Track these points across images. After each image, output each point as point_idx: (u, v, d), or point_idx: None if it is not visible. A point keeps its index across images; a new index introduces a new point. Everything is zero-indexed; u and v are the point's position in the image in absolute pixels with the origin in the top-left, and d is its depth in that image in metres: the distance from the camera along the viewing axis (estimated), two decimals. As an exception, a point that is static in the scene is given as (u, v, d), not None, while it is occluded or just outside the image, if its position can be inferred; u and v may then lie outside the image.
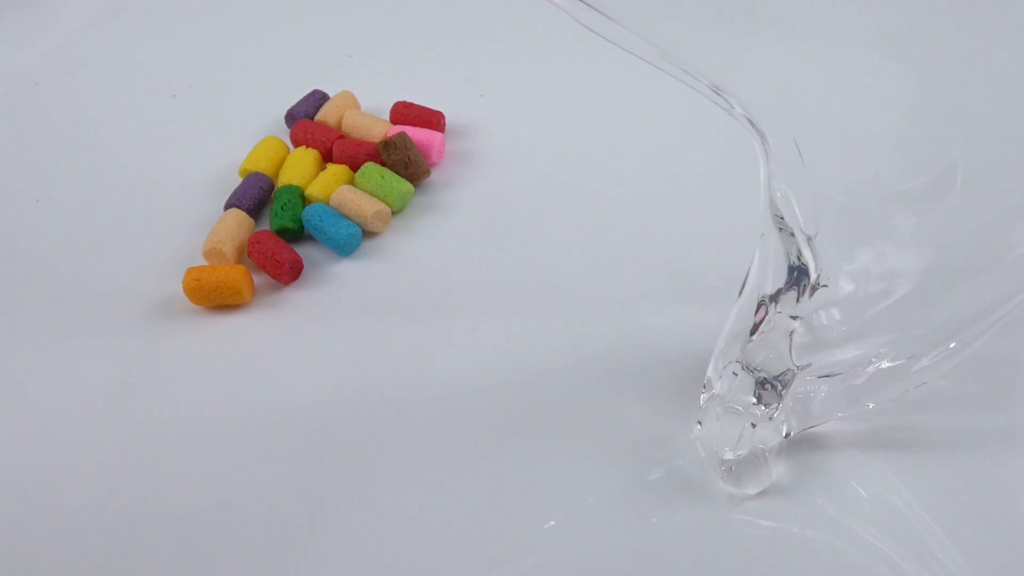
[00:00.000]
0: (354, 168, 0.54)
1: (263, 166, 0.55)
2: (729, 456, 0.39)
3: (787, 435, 0.40)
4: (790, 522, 0.39)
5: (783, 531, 0.39)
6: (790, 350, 0.37)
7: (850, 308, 0.36)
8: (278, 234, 0.51)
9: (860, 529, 0.39)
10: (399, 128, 0.56)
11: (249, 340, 0.47)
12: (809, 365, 0.37)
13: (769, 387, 0.38)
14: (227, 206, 0.53)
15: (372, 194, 0.53)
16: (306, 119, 0.58)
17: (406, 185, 0.53)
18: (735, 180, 0.54)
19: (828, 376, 0.38)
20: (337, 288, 0.49)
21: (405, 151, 0.54)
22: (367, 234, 0.52)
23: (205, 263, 0.50)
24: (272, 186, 0.54)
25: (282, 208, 0.51)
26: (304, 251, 0.51)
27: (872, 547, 0.38)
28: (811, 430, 0.40)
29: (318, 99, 0.59)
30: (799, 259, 0.35)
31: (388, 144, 0.54)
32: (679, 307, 0.47)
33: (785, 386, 0.38)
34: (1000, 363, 0.43)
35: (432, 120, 0.57)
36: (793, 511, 0.39)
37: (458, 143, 0.58)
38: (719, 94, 0.32)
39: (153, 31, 0.68)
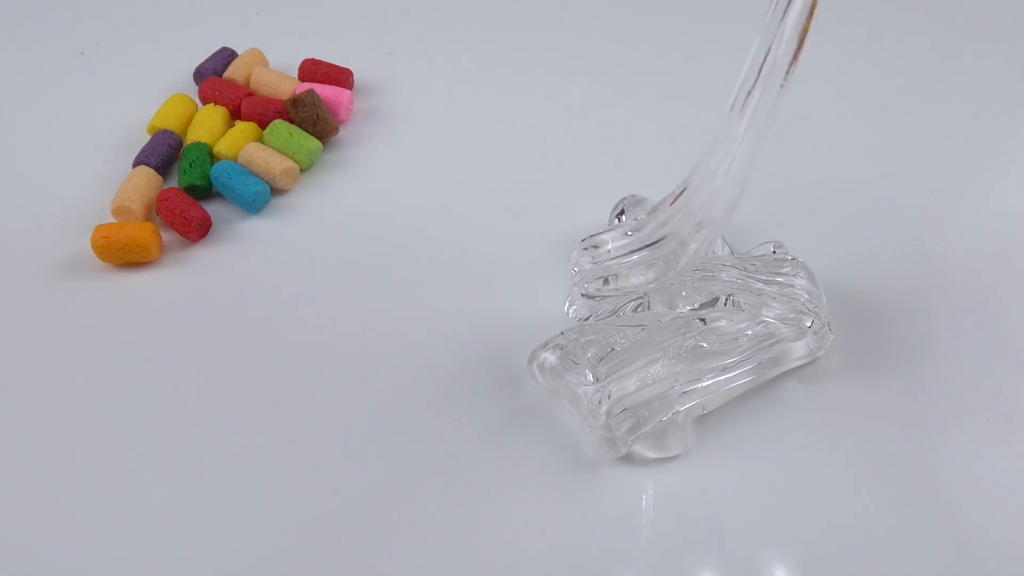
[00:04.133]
0: (262, 125, 0.55)
1: (171, 123, 0.55)
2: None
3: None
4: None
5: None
6: None
7: None
8: (186, 191, 0.52)
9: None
10: (307, 85, 0.57)
11: (158, 297, 0.48)
12: None
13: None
14: (135, 163, 0.53)
15: (280, 151, 0.53)
16: (214, 76, 0.58)
17: (314, 142, 0.54)
18: (636, 134, 0.56)
19: None
20: (246, 245, 0.50)
21: (313, 108, 0.54)
22: (275, 191, 0.53)
23: (114, 220, 0.51)
24: (180, 143, 0.55)
25: (190, 165, 0.52)
26: (213, 208, 0.52)
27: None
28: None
29: (226, 56, 0.59)
30: None
31: (296, 101, 0.55)
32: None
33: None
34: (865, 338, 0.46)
35: (340, 77, 0.58)
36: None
37: (366, 100, 0.58)
38: None
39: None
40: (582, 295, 0.42)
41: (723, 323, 0.42)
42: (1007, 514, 0.40)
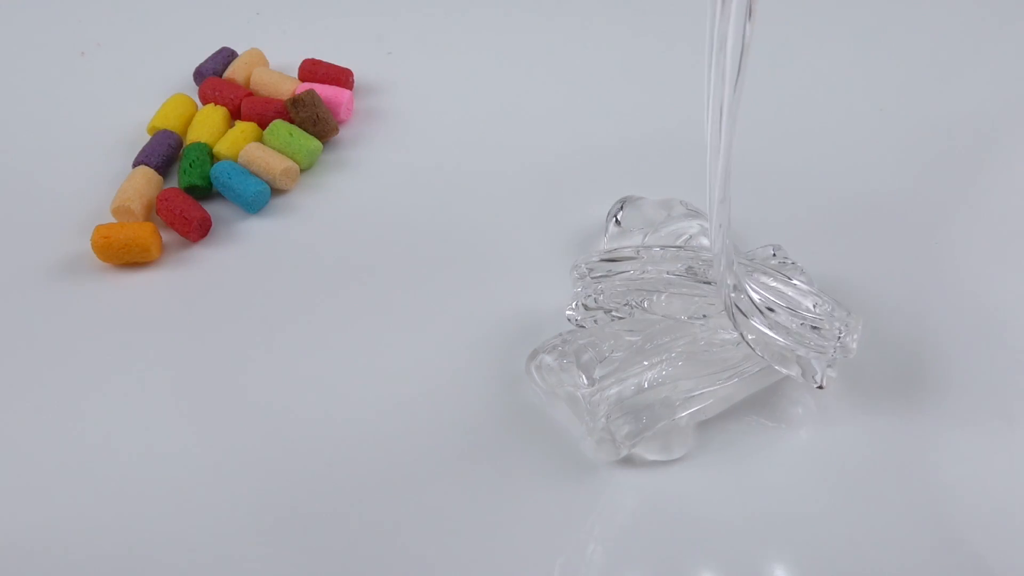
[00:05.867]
0: (262, 125, 0.55)
1: (171, 123, 0.55)
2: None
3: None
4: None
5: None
6: None
7: None
8: (187, 191, 0.52)
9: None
10: (307, 85, 0.57)
11: (158, 297, 0.48)
12: None
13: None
14: (136, 163, 0.53)
15: (280, 151, 0.53)
16: (214, 76, 0.58)
17: (314, 142, 0.54)
18: (635, 138, 0.56)
19: None
20: (246, 245, 0.50)
21: (313, 108, 0.55)
22: (275, 191, 0.53)
23: (114, 220, 0.51)
24: (180, 143, 0.55)
25: (190, 165, 0.52)
26: (213, 208, 0.52)
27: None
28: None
29: (226, 56, 0.59)
30: None
31: (296, 101, 0.55)
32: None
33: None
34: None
35: (340, 77, 0.58)
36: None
37: (366, 100, 0.58)
38: None
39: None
40: (583, 304, 0.42)
41: (723, 328, 0.42)
42: (1007, 515, 0.39)
